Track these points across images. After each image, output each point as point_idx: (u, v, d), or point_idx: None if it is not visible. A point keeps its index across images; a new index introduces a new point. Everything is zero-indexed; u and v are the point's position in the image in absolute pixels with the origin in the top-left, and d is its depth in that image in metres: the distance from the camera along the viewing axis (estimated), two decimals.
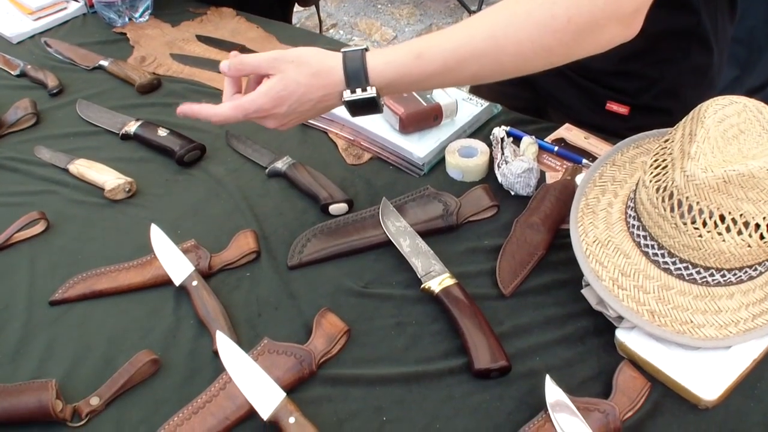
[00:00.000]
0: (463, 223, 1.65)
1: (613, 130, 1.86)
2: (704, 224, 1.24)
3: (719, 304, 1.32)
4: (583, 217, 1.44)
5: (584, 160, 1.76)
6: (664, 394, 1.32)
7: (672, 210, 1.26)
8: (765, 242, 1.24)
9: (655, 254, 1.33)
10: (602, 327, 1.42)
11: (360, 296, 1.53)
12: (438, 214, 1.64)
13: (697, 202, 1.22)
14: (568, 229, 1.47)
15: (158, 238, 1.59)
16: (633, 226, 1.37)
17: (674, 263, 1.31)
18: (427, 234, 1.61)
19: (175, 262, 1.55)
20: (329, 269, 1.59)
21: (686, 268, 1.30)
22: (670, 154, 1.29)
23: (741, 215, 1.22)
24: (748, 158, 1.20)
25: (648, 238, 1.33)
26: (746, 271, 1.30)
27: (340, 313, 1.45)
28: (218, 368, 1.36)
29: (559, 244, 1.59)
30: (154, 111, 2.10)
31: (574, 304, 1.47)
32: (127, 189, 1.78)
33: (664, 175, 1.28)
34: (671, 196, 1.26)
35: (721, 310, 1.32)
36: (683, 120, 1.32)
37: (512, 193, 1.72)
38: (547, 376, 1.28)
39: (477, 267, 1.56)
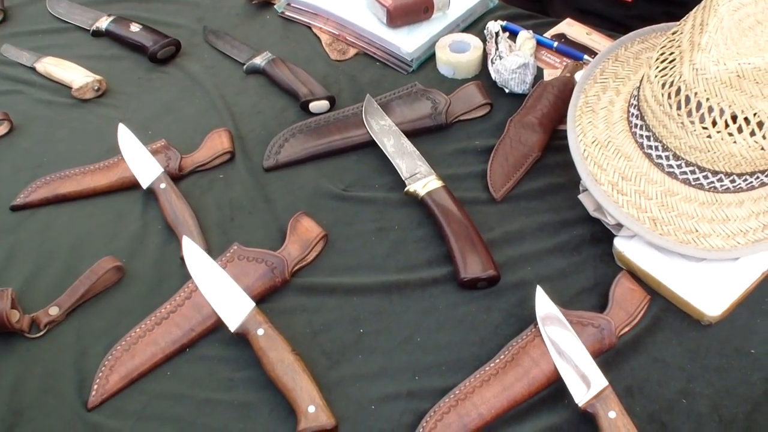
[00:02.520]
0: (452, 122, 1.55)
1: (616, 19, 1.74)
2: (714, 123, 1.13)
3: (727, 212, 1.22)
4: (581, 115, 1.33)
5: (585, 57, 1.64)
6: (665, 309, 1.24)
7: (679, 107, 1.15)
8: None
9: (659, 156, 1.22)
10: (600, 235, 1.33)
11: (339, 199, 1.44)
12: (426, 113, 1.54)
13: (707, 99, 1.11)
14: (566, 131, 1.36)
15: (126, 138, 1.49)
16: (636, 125, 1.26)
17: (680, 167, 1.20)
18: (414, 134, 1.51)
19: (143, 163, 1.46)
20: (308, 171, 1.50)
21: (692, 173, 1.20)
22: (679, 46, 1.17)
23: (755, 114, 1.10)
24: (765, 51, 1.08)
25: (652, 138, 1.22)
26: (758, 177, 1.19)
27: (318, 218, 1.37)
28: (186, 277, 1.28)
29: (556, 145, 1.49)
30: (128, 6, 1.98)
31: (570, 211, 1.38)
32: (96, 87, 1.68)
33: (671, 69, 1.17)
34: (678, 91, 1.14)
35: (729, 219, 1.22)
36: (694, 9, 1.20)
37: (506, 91, 1.61)
38: (539, 287, 1.19)
39: (467, 169, 1.47)
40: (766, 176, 1.20)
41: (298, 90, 1.61)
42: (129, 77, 1.75)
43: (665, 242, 1.21)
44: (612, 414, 1.06)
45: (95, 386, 1.17)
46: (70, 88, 1.68)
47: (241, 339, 1.20)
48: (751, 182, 1.20)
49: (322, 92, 1.60)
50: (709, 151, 1.15)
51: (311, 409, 1.10)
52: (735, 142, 1.13)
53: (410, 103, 1.56)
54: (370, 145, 1.51)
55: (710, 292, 1.20)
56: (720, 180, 1.19)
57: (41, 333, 1.25)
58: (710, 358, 1.18)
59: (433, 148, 1.49)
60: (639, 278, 1.26)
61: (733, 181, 1.19)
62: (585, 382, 1.10)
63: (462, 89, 1.59)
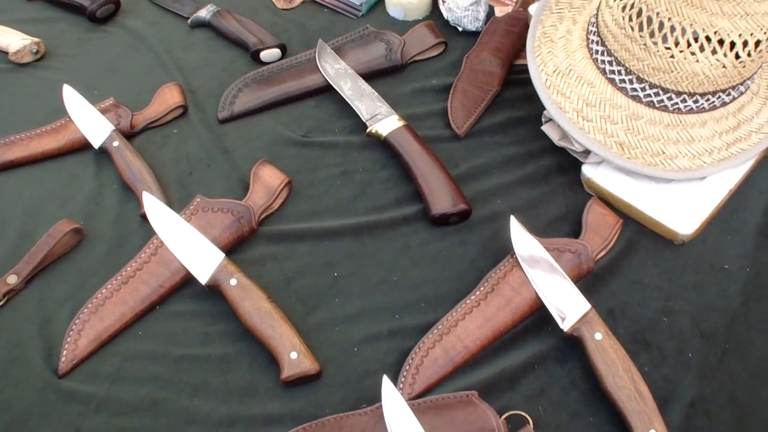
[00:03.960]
0: (408, 63, 1.53)
1: None
2: (676, 43, 1.13)
3: (692, 133, 1.22)
4: (540, 46, 1.32)
5: None
6: (638, 232, 1.24)
7: (641, 29, 1.14)
8: (740, 62, 1.14)
9: (623, 81, 1.21)
10: (566, 164, 1.33)
11: (300, 146, 1.41)
12: (381, 54, 1.51)
13: (669, 18, 1.11)
14: (523, 65, 1.36)
15: (72, 98, 1.44)
16: (597, 52, 1.25)
17: (643, 89, 1.20)
18: (370, 76, 1.48)
19: (92, 123, 1.41)
20: (264, 120, 1.46)
21: (656, 95, 1.19)
22: None
23: (715, 32, 1.11)
24: None
25: (614, 63, 1.21)
26: (719, 96, 1.19)
27: (279, 166, 1.34)
28: (148, 234, 1.25)
29: (514, 80, 1.48)
30: None
31: (535, 142, 1.37)
32: (34, 50, 1.61)
33: None
34: (639, 13, 1.14)
35: (694, 140, 1.22)
36: None
37: (460, 29, 1.59)
38: (512, 217, 1.18)
39: (426, 108, 1.45)
40: (726, 95, 1.20)
41: (247, 40, 1.57)
42: (68, 38, 1.69)
43: (633, 165, 1.21)
44: (598, 335, 1.05)
45: (64, 352, 1.14)
46: (6, 53, 1.61)
47: (214, 292, 1.17)
48: (713, 102, 1.20)
49: (273, 40, 1.56)
50: (672, 71, 1.15)
51: (293, 355, 1.08)
52: (697, 61, 1.13)
53: (364, 46, 1.53)
54: (326, 90, 1.48)
55: (681, 211, 1.21)
56: (683, 101, 1.19)
57: (0, 303, 1.21)
58: (686, 276, 1.19)
59: (391, 90, 1.47)
60: (610, 203, 1.25)
61: (696, 102, 1.19)
62: (568, 307, 1.09)
63: (414, 30, 1.57)
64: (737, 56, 1.13)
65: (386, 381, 1.02)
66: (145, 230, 1.26)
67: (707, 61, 1.13)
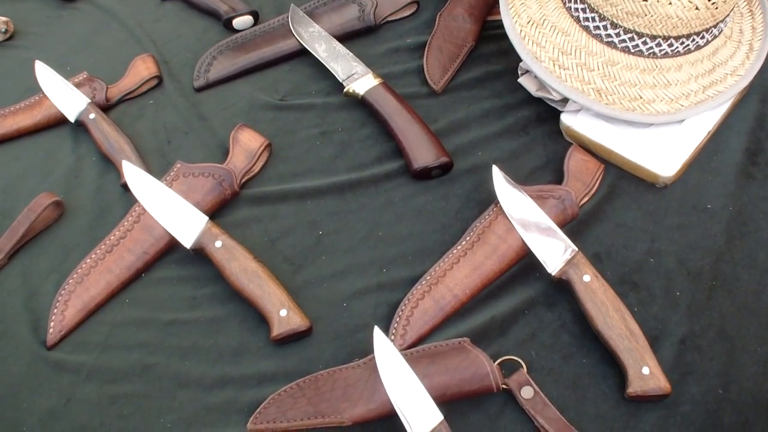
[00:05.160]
0: (381, 23, 1.52)
1: None
2: None
3: (668, 77, 1.22)
4: None
5: None
6: (620, 177, 1.25)
7: None
8: (713, 3, 1.14)
9: (597, 27, 1.21)
10: (545, 115, 1.33)
11: (278, 109, 1.40)
12: (354, 16, 1.50)
13: None
14: (496, 21, 1.35)
15: (45, 74, 1.42)
16: (570, 0, 1.25)
17: (618, 35, 1.20)
18: (345, 38, 1.48)
19: (67, 97, 1.39)
20: (241, 86, 1.46)
21: (631, 39, 1.19)
22: None
23: None
24: None
25: (588, 10, 1.21)
26: (693, 39, 1.20)
27: (258, 130, 1.33)
28: (129, 203, 1.24)
29: (488, 35, 1.47)
30: None
31: (512, 95, 1.37)
32: (3, 29, 1.60)
33: None
34: None
35: (671, 83, 1.22)
36: None
37: None
38: (494, 167, 1.19)
39: (402, 66, 1.45)
40: (700, 38, 1.21)
41: (219, 8, 1.55)
42: (37, 17, 1.67)
43: (612, 111, 1.21)
44: (586, 278, 1.06)
45: (52, 323, 1.14)
46: None
47: (199, 256, 1.17)
48: (688, 45, 1.20)
49: (244, 7, 1.55)
50: (646, 15, 1.15)
51: (283, 312, 1.08)
52: (670, 3, 1.13)
53: (337, 9, 1.52)
54: (301, 54, 1.47)
55: (662, 154, 1.21)
56: (658, 44, 1.19)
57: None
58: (670, 218, 1.19)
59: (366, 50, 1.47)
60: (590, 150, 1.26)
61: (670, 45, 1.19)
62: (555, 251, 1.10)
63: None
64: None
65: (377, 332, 1.02)
66: (127, 200, 1.26)
67: (680, 3, 1.13)
